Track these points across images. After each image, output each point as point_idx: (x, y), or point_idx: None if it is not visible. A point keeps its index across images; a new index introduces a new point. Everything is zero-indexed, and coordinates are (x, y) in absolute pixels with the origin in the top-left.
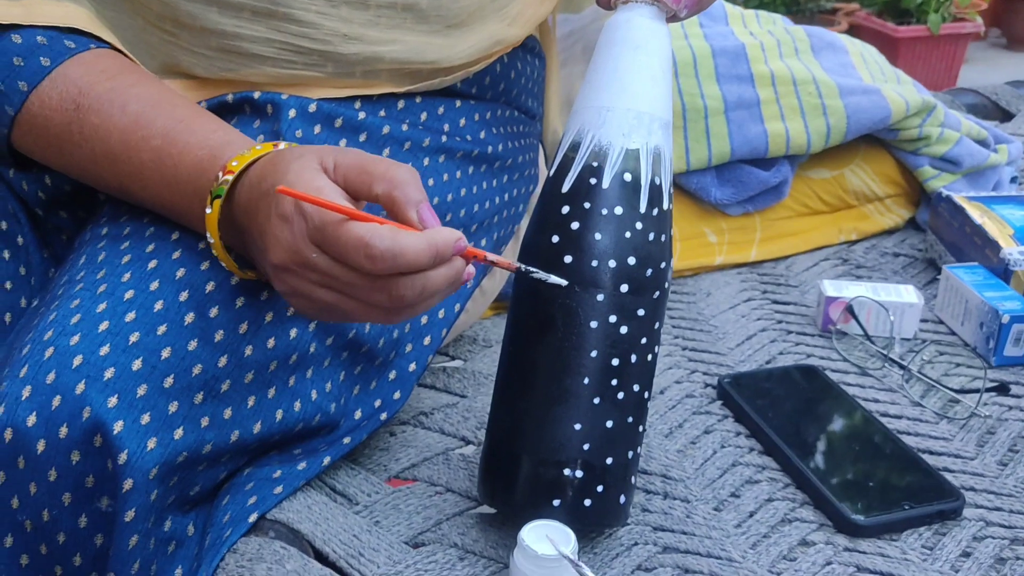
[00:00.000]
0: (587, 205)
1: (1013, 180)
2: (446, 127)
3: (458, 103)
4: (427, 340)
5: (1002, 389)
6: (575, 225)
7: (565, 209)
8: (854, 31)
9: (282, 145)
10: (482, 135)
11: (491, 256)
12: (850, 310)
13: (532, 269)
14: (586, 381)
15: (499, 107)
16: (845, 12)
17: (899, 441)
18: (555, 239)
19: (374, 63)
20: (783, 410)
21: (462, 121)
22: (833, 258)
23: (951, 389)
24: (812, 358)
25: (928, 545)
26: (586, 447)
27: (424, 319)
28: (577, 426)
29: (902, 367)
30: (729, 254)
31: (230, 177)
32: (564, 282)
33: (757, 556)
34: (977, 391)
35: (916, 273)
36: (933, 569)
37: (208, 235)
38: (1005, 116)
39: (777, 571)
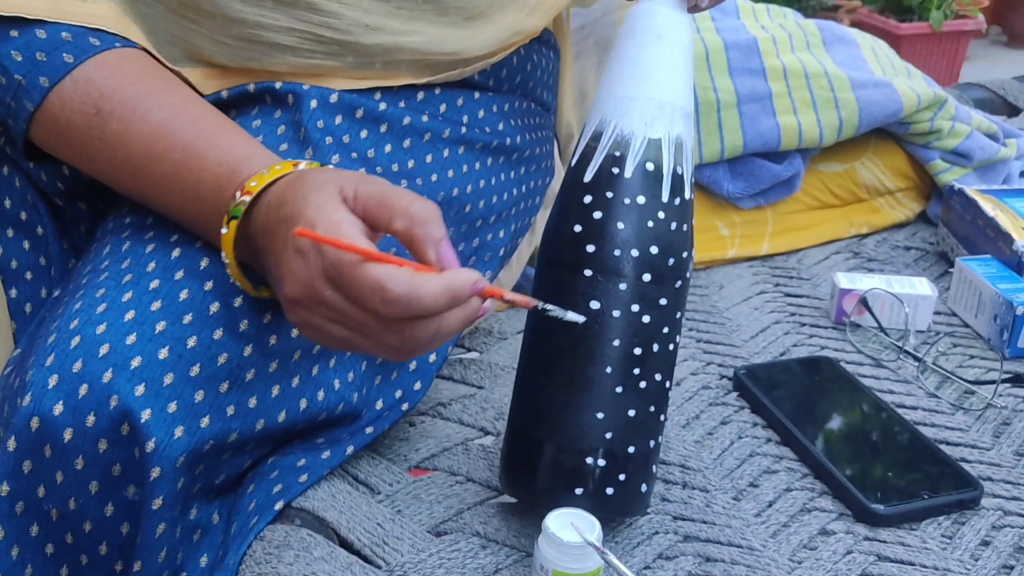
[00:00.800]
0: (609, 194)
1: (1022, 174)
2: (465, 118)
3: (477, 95)
4: None
5: (1017, 380)
6: (597, 214)
7: (587, 198)
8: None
9: (303, 165)
10: (500, 127)
11: (508, 295)
12: (864, 302)
13: (549, 307)
14: (608, 370)
15: (516, 99)
16: (847, 9)
17: (916, 431)
18: (577, 228)
19: (394, 54)
20: (799, 401)
21: (481, 113)
22: (844, 251)
23: (966, 380)
24: (826, 350)
25: (947, 534)
26: (608, 436)
27: None
28: (600, 415)
29: (917, 359)
30: (741, 247)
31: (247, 198)
32: (581, 319)
33: (777, 545)
34: (992, 382)
35: (928, 266)
36: (953, 558)
37: (223, 255)
38: (1012, 111)
39: (798, 560)
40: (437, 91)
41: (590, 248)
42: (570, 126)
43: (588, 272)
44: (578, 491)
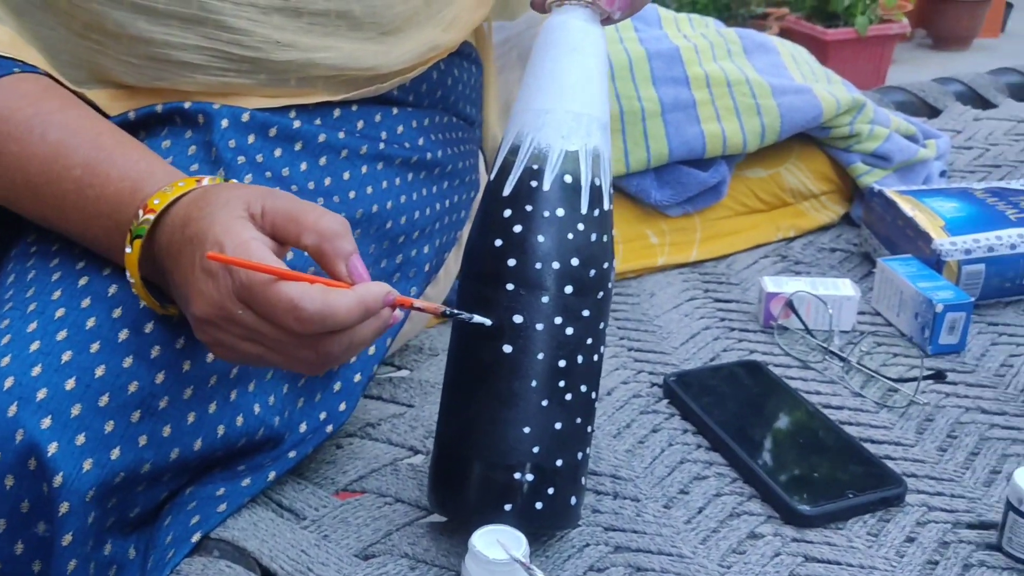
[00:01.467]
0: (529, 208)
1: (942, 174)
2: (383, 134)
3: (395, 110)
4: (371, 350)
5: (938, 377)
6: (517, 228)
7: (507, 212)
8: (784, 35)
9: (206, 180)
10: (420, 142)
11: (418, 303)
12: (790, 305)
13: (457, 312)
14: (534, 384)
15: (437, 114)
16: (776, 17)
17: (842, 431)
18: (498, 243)
19: (308, 70)
20: (728, 406)
21: (400, 128)
22: (772, 255)
23: (889, 379)
24: (755, 354)
25: (873, 532)
26: (536, 450)
27: None
28: (526, 429)
29: (842, 359)
30: (671, 255)
31: (151, 216)
32: (488, 322)
33: (707, 551)
34: (915, 380)
35: (852, 267)
36: (879, 555)
37: (128, 275)
38: (932, 112)
39: (727, 564)
40: (354, 108)
41: (511, 262)
42: (496, 139)
43: (510, 286)
44: (507, 507)
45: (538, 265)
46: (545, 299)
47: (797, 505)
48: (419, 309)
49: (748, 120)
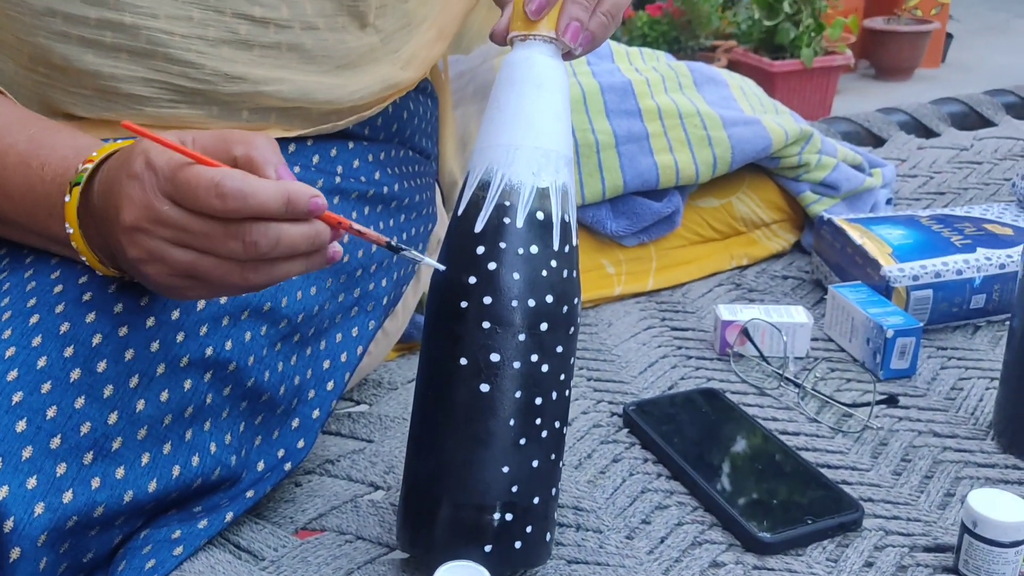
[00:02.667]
0: (503, 245)
1: (888, 202)
2: (339, 169)
3: (351, 144)
4: (330, 385)
5: (891, 401)
6: (492, 265)
7: (480, 249)
8: (732, 67)
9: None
10: (376, 176)
11: (356, 225)
12: (745, 333)
13: (404, 247)
14: (512, 422)
15: (393, 147)
16: (724, 49)
17: (799, 457)
18: (472, 280)
19: (260, 102)
20: (687, 434)
21: (355, 162)
22: (727, 283)
23: (844, 404)
24: (712, 381)
25: (832, 558)
26: (515, 489)
27: (326, 363)
28: (505, 468)
29: (797, 385)
30: (627, 284)
31: (89, 166)
32: (442, 267)
33: None
34: (868, 404)
35: (805, 294)
36: None
37: (67, 225)
38: (877, 142)
39: None
40: (309, 142)
41: (487, 300)
42: (453, 173)
43: (486, 324)
44: (487, 548)
45: (514, 303)
46: (522, 336)
47: (757, 532)
48: (357, 232)
49: (700, 151)
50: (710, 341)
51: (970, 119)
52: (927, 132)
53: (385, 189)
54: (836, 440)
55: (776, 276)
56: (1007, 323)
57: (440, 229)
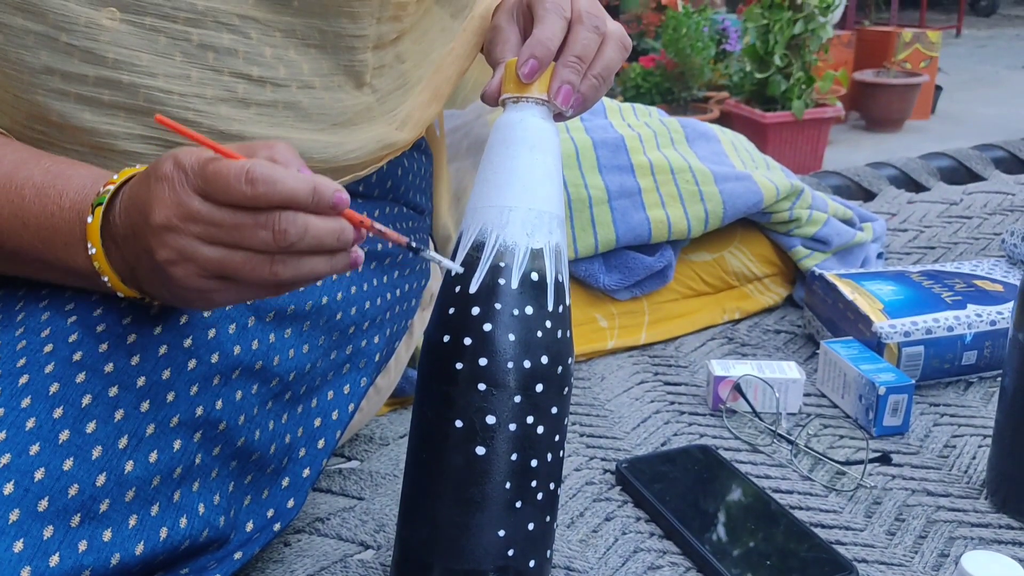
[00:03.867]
0: (498, 306)
1: (880, 256)
2: None
3: None
4: (321, 443)
5: (884, 459)
6: (487, 327)
7: (475, 310)
8: (725, 118)
9: None
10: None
11: (378, 225)
12: (738, 388)
13: (423, 248)
14: (508, 485)
15: (387, 204)
16: (716, 100)
17: (792, 516)
18: (468, 341)
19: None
20: (680, 492)
21: None
22: (719, 337)
23: (837, 462)
24: (705, 437)
25: None
26: (510, 553)
27: (317, 421)
28: (501, 532)
29: (790, 442)
30: (620, 338)
31: (111, 187)
32: (461, 268)
33: None
34: (861, 462)
35: (797, 348)
36: None
37: (89, 245)
38: (868, 196)
39: None
40: None
41: (482, 361)
42: (447, 227)
43: (482, 386)
44: None
45: (510, 364)
46: (517, 398)
47: None
48: (379, 232)
49: (692, 206)
50: (703, 396)
51: (959, 173)
52: (917, 186)
53: (379, 246)
54: (829, 499)
55: (768, 330)
56: (999, 380)
57: (434, 284)
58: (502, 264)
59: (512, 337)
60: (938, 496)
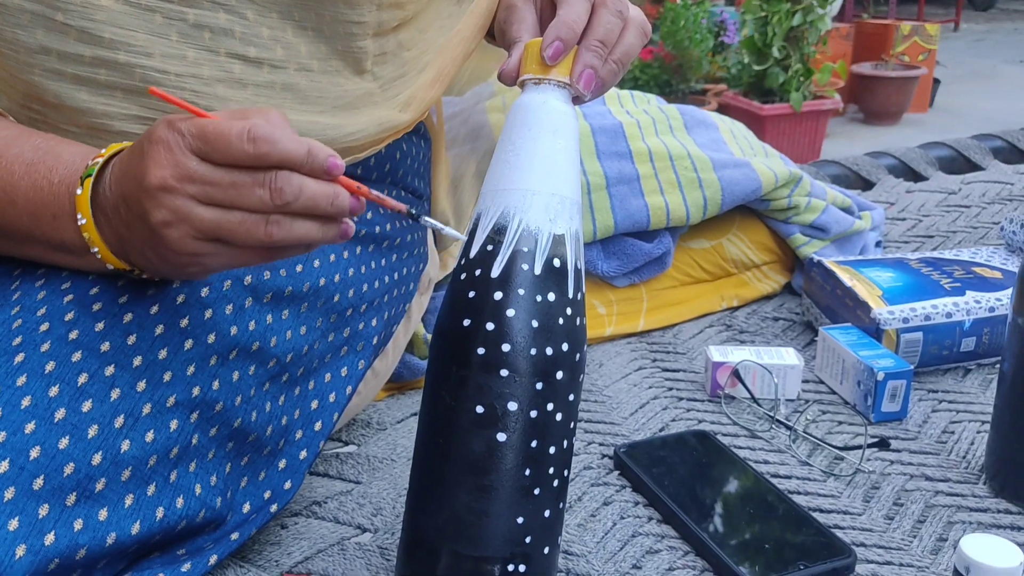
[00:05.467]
0: (521, 291)
1: (878, 244)
2: None
3: None
4: (318, 426)
5: (882, 444)
6: (511, 312)
7: (498, 295)
8: (723, 110)
9: None
10: (369, 215)
11: (375, 192)
12: (736, 374)
13: (425, 216)
14: (527, 472)
15: (385, 187)
16: (714, 92)
17: (790, 501)
18: (490, 326)
19: None
20: (678, 477)
21: None
22: (717, 324)
23: (835, 447)
24: (703, 423)
25: None
26: (528, 540)
27: (314, 403)
28: (520, 519)
29: (788, 428)
30: (618, 325)
31: (100, 160)
32: (463, 237)
33: None
34: (859, 448)
35: (795, 336)
36: None
37: (79, 216)
38: (866, 185)
39: None
40: None
41: (505, 347)
42: (445, 213)
43: (504, 372)
44: None
45: (533, 351)
46: (539, 385)
47: None
48: (375, 199)
49: (690, 193)
50: (701, 382)
51: (958, 163)
52: (915, 176)
53: (377, 229)
54: (828, 484)
55: (767, 317)
56: (997, 366)
57: (432, 269)
58: (525, 249)
59: (535, 324)
60: (936, 481)
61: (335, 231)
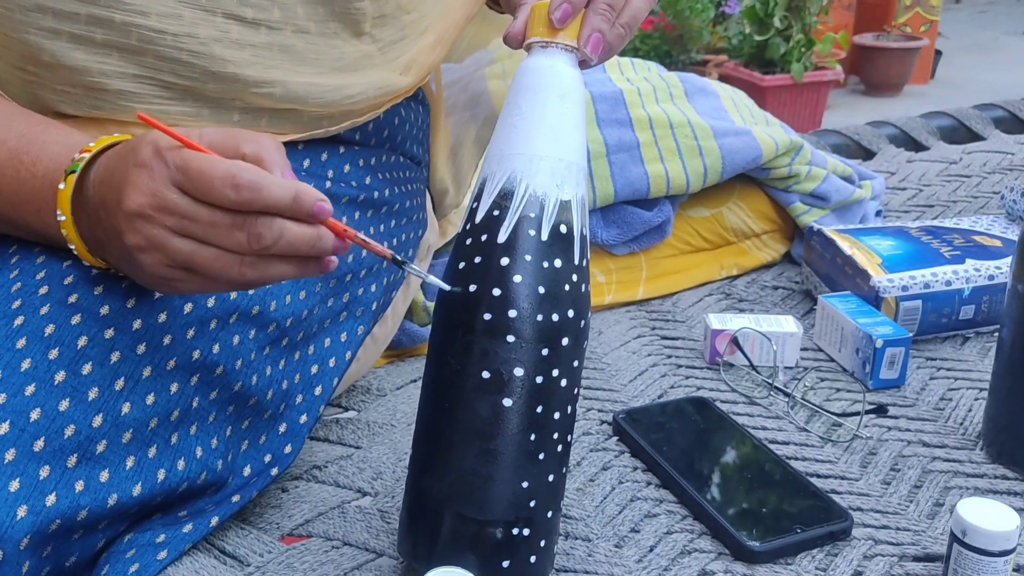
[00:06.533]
0: (528, 257)
1: (878, 213)
2: (330, 173)
3: (342, 149)
4: (318, 390)
5: (880, 411)
6: (517, 278)
7: (504, 260)
8: (723, 81)
9: None
10: (367, 180)
11: (361, 235)
12: (735, 342)
13: (410, 263)
14: (532, 437)
15: (384, 153)
16: (715, 64)
17: (788, 467)
18: (497, 292)
19: (251, 101)
20: (677, 443)
21: (346, 167)
22: (717, 293)
23: (833, 413)
24: (702, 390)
25: (821, 567)
26: (532, 504)
27: (314, 368)
28: (525, 484)
29: (786, 395)
30: (618, 293)
31: (87, 155)
32: (447, 287)
33: None
34: (857, 414)
35: (795, 304)
36: None
37: (59, 212)
38: (867, 155)
39: None
40: (300, 146)
41: (512, 313)
42: (443, 181)
43: (511, 338)
44: (505, 564)
45: (539, 317)
46: (545, 352)
47: (746, 541)
48: (360, 242)
49: (691, 161)
50: (700, 350)
51: (959, 133)
52: (916, 146)
53: (375, 194)
54: (825, 449)
55: (766, 286)
56: (996, 334)
57: (431, 235)
58: (532, 215)
59: (542, 290)
60: (933, 447)
61: (315, 268)
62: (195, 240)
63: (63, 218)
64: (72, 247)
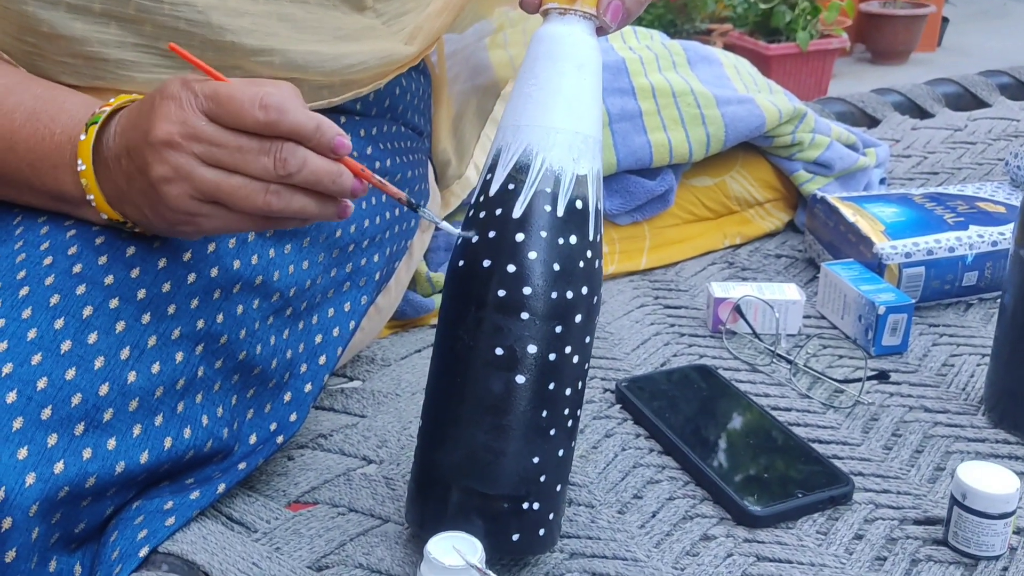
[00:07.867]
0: (543, 234)
1: (882, 181)
2: None
3: (342, 119)
4: (322, 359)
5: (882, 377)
6: (532, 255)
7: (519, 236)
8: (728, 50)
9: None
10: (369, 151)
11: (377, 177)
12: (738, 310)
13: (426, 211)
14: (544, 414)
15: (385, 123)
16: (719, 32)
17: (790, 432)
18: (511, 268)
19: (251, 70)
20: (680, 410)
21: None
22: (720, 262)
23: (835, 380)
24: (705, 358)
25: (822, 531)
26: (543, 479)
27: (319, 337)
28: (536, 459)
29: (789, 362)
30: (621, 263)
31: (107, 108)
32: (464, 233)
33: (661, 554)
34: (859, 380)
35: (798, 272)
36: (828, 553)
37: (80, 161)
38: (872, 122)
39: (681, 567)
40: None
41: (526, 290)
42: (446, 152)
43: (525, 315)
44: (515, 537)
45: (554, 295)
46: (558, 329)
47: (748, 506)
48: (377, 184)
49: (693, 130)
50: (703, 318)
51: (964, 100)
52: (921, 113)
53: (377, 164)
54: (827, 415)
55: (769, 255)
56: (999, 300)
57: (433, 206)
58: (548, 190)
59: (557, 267)
60: (935, 412)
61: (333, 209)
62: (222, 168)
63: (83, 167)
64: (90, 197)
